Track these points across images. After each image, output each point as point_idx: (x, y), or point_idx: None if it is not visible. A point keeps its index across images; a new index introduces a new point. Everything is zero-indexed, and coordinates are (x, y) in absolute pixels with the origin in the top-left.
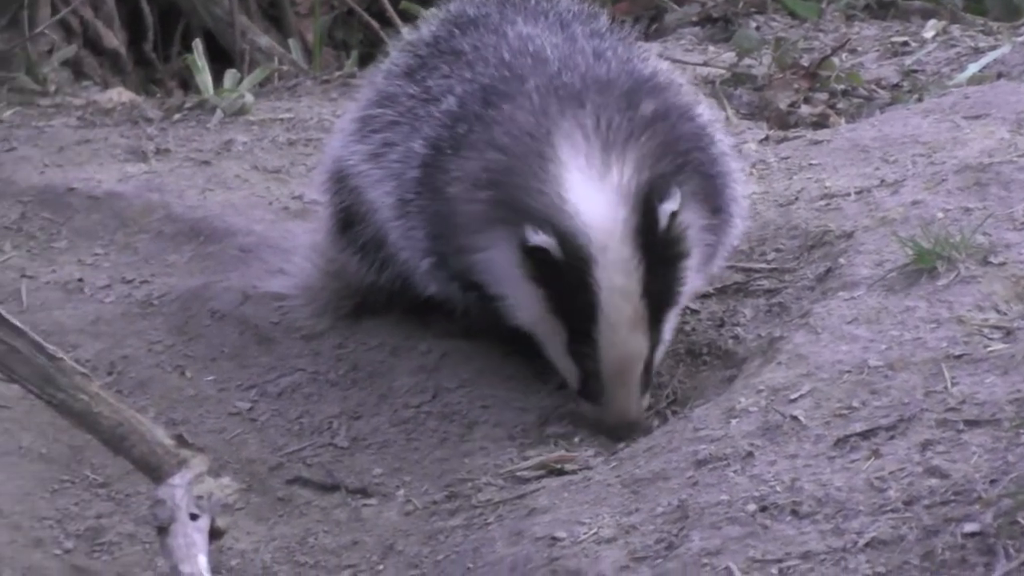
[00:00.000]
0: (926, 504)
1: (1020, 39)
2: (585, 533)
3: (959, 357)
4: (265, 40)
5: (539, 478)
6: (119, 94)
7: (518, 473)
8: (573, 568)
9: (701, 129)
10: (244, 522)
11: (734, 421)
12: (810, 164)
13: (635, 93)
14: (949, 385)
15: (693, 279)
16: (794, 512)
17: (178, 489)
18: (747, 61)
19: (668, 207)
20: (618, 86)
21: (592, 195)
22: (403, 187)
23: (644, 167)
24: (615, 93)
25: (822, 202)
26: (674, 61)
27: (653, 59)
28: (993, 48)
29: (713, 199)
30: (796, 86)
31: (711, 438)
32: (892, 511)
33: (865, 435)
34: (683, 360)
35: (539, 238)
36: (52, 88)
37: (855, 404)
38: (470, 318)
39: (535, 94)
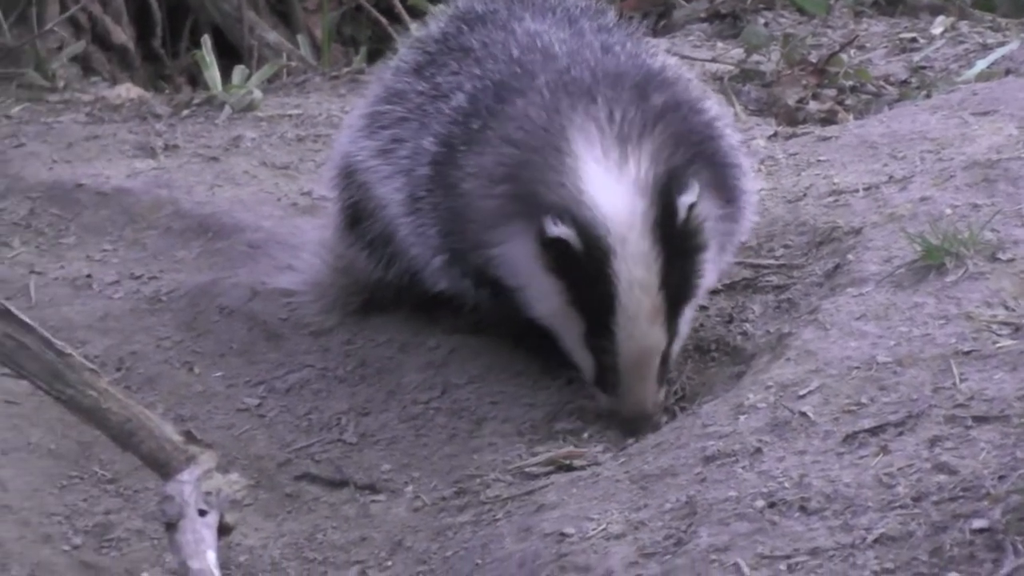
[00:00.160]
0: (934, 500)
1: None
2: (594, 529)
3: (967, 353)
4: (274, 36)
5: (548, 474)
6: (128, 90)
7: (527, 469)
8: (582, 564)
9: (711, 122)
10: (253, 518)
11: (743, 417)
12: (818, 160)
13: (645, 86)
14: (958, 381)
15: (710, 272)
16: (803, 508)
17: (187, 485)
18: (755, 57)
19: (686, 199)
20: (629, 79)
21: (610, 187)
22: (413, 183)
23: (660, 159)
24: (626, 86)
25: (830, 198)
26: (682, 57)
27: (661, 55)
28: (1001, 44)
29: (725, 191)
30: (804, 82)
31: (719, 434)
32: (901, 507)
33: (874, 431)
34: (692, 356)
35: (558, 229)
36: (61, 84)
37: (864, 400)
38: (479, 314)
39: (545, 89)
